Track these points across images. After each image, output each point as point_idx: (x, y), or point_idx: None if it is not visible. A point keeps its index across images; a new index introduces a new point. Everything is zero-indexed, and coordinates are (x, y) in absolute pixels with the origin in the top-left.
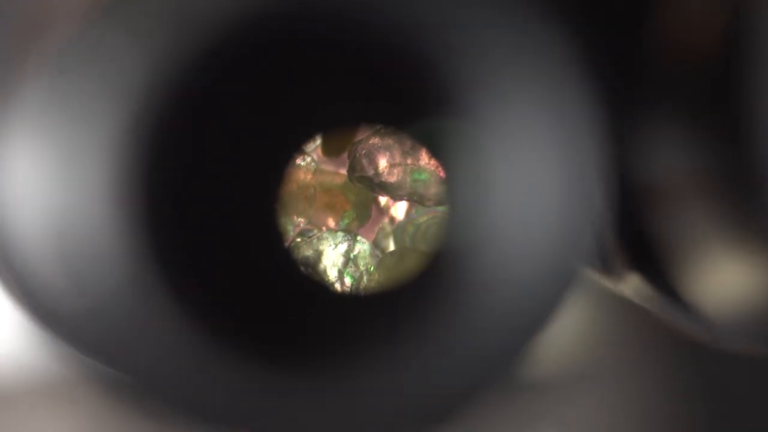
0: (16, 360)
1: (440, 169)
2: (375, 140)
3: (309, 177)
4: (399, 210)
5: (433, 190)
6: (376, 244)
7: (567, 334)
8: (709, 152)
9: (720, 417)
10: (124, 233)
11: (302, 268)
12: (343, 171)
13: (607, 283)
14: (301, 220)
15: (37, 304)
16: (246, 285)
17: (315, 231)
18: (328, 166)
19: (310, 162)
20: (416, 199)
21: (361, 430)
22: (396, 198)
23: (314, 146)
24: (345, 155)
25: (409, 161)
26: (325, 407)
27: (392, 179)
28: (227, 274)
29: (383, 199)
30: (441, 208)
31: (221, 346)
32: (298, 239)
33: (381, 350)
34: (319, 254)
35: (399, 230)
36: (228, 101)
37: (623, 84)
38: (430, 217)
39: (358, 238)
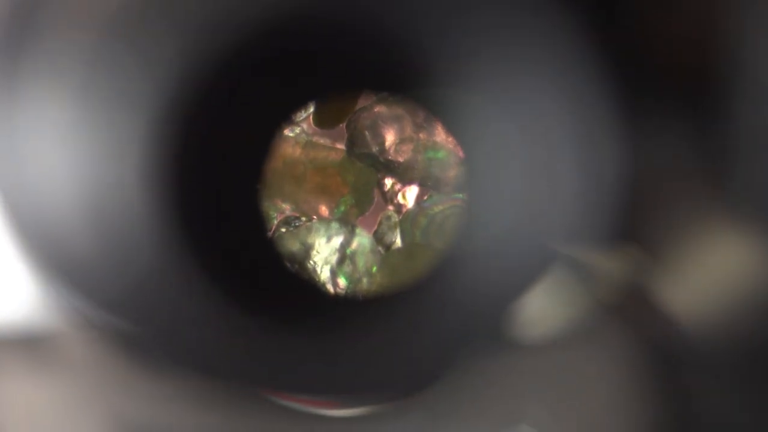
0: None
1: (459, 148)
2: (380, 109)
3: (298, 152)
4: (409, 196)
5: (452, 172)
6: (378, 238)
7: (549, 304)
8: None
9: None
10: (152, 209)
11: (288, 264)
12: (341, 146)
13: (599, 262)
14: (286, 205)
15: (69, 267)
16: (235, 272)
17: (303, 219)
18: (323, 139)
19: (300, 133)
20: (431, 184)
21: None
22: (405, 181)
23: (306, 114)
24: (343, 126)
25: (422, 136)
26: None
27: (401, 158)
28: (220, 256)
29: (389, 182)
30: (460, 196)
31: (225, 307)
32: (283, 229)
33: (375, 352)
34: (307, 249)
35: (408, 222)
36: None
37: (633, 71)
38: (448, 206)
39: (357, 230)
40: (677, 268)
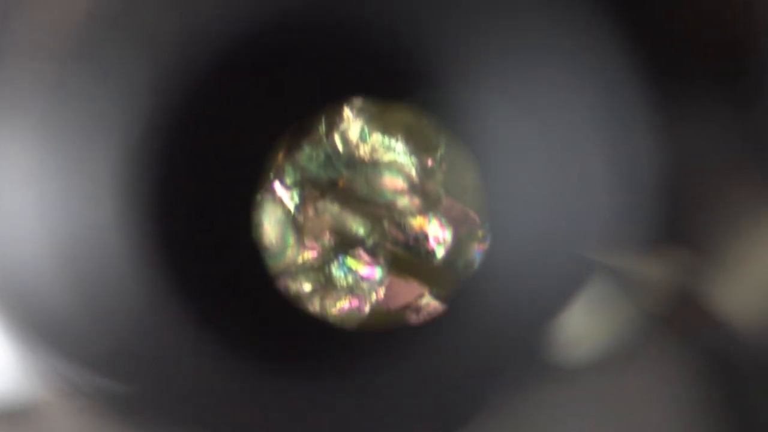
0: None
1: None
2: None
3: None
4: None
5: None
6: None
7: (589, 322)
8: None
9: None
10: (135, 251)
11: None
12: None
13: (641, 268)
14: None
15: (46, 325)
16: (232, 312)
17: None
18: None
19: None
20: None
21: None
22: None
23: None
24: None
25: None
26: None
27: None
28: (214, 296)
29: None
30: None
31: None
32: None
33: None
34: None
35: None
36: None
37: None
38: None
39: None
40: (729, 268)
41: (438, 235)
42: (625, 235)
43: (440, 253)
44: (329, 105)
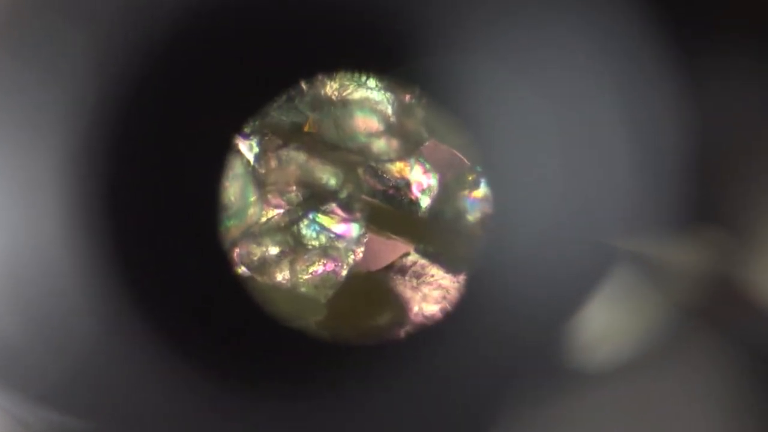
0: None
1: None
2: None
3: None
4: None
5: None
6: None
7: (613, 319)
8: None
9: None
10: (86, 266)
11: (266, 310)
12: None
13: (671, 254)
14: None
15: None
16: (201, 328)
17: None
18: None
19: None
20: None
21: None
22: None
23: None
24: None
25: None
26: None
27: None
28: (179, 311)
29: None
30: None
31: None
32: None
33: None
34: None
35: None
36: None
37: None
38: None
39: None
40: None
41: (422, 181)
42: (651, 218)
43: (425, 202)
44: (301, 81)
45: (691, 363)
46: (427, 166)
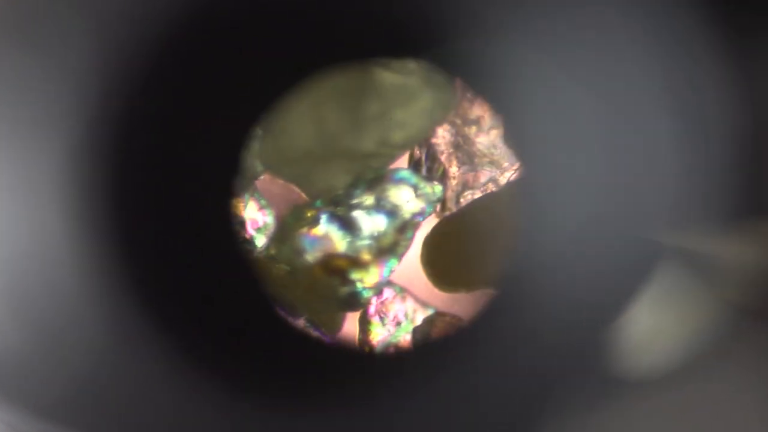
0: None
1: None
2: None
3: None
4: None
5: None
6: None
7: (660, 321)
8: None
9: None
10: (91, 273)
11: (286, 316)
12: None
13: (722, 249)
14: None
15: None
16: (217, 337)
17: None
18: None
19: None
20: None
21: None
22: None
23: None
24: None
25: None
26: None
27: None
28: (192, 318)
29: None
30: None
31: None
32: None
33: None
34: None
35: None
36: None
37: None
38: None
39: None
40: None
41: (257, 219)
42: (699, 211)
43: (260, 241)
44: (320, 73)
45: (744, 366)
46: (262, 202)
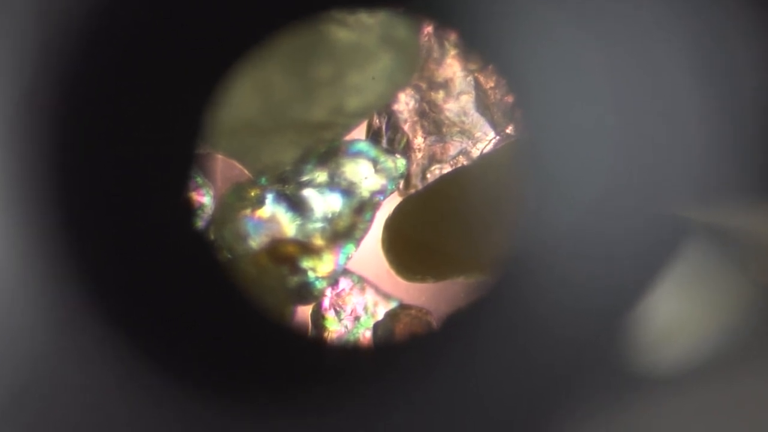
0: None
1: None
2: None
3: None
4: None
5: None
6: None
7: (686, 308)
8: None
9: None
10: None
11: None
12: None
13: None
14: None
15: None
16: (186, 334)
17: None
18: None
19: None
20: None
21: None
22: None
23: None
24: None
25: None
26: None
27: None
28: (154, 316)
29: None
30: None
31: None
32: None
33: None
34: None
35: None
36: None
37: None
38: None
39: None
40: None
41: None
42: (729, 183)
43: (199, 222)
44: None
45: None
46: (199, 180)
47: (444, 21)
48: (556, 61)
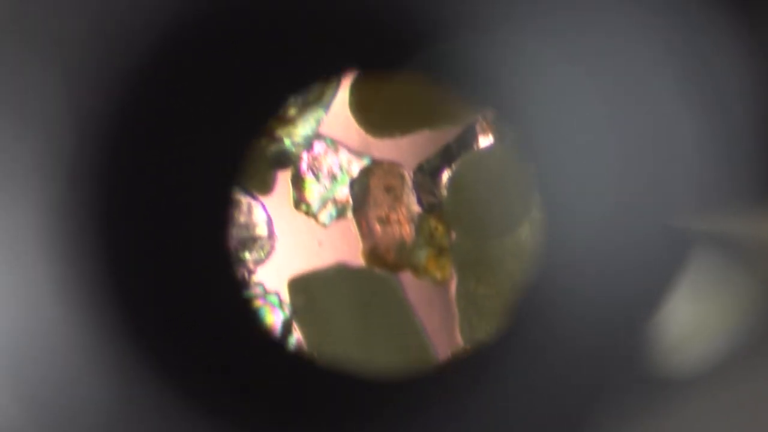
0: None
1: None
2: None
3: None
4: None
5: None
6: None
7: (699, 313)
8: None
9: None
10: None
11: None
12: None
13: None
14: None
15: None
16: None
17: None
18: None
19: None
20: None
21: None
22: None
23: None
24: None
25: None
26: None
27: None
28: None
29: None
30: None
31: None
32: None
33: None
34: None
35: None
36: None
37: None
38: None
39: None
40: None
41: None
42: (727, 189)
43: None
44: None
45: None
46: None
47: (445, 74)
48: (552, 97)
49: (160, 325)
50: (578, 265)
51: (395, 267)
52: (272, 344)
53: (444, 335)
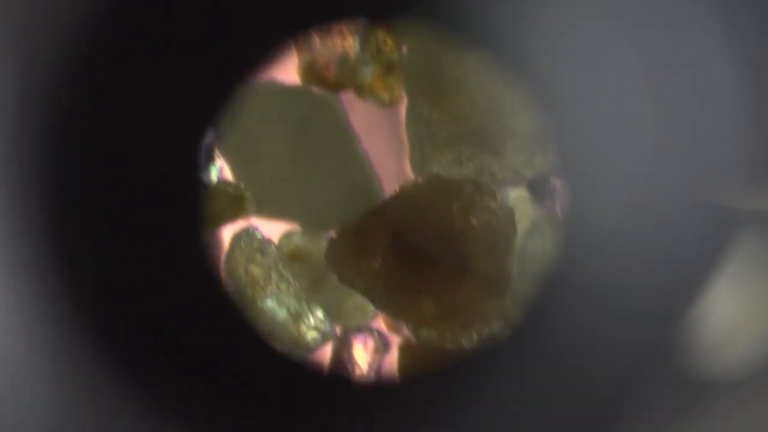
0: None
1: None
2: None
3: None
4: None
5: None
6: None
7: (741, 305)
8: None
9: None
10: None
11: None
12: None
13: None
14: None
15: None
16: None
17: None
18: None
19: None
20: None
21: None
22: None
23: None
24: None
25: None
26: None
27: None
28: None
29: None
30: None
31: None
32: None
33: None
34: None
35: None
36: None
37: None
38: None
39: None
40: None
41: None
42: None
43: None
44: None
45: None
46: None
47: (459, 28)
48: (582, 55)
49: (114, 308)
50: (605, 249)
51: (336, 85)
52: (254, 338)
53: (391, 167)
